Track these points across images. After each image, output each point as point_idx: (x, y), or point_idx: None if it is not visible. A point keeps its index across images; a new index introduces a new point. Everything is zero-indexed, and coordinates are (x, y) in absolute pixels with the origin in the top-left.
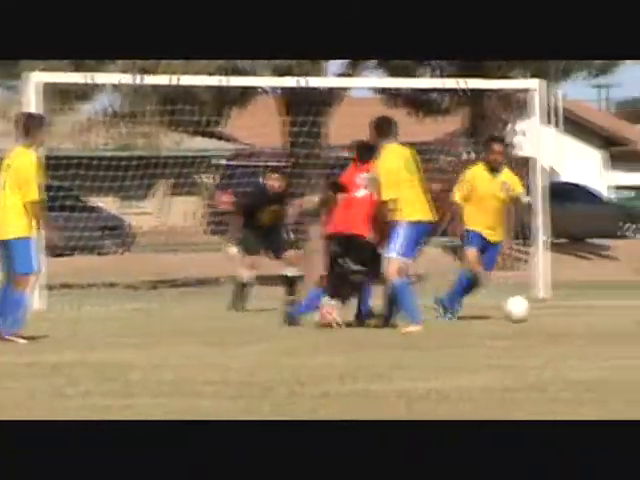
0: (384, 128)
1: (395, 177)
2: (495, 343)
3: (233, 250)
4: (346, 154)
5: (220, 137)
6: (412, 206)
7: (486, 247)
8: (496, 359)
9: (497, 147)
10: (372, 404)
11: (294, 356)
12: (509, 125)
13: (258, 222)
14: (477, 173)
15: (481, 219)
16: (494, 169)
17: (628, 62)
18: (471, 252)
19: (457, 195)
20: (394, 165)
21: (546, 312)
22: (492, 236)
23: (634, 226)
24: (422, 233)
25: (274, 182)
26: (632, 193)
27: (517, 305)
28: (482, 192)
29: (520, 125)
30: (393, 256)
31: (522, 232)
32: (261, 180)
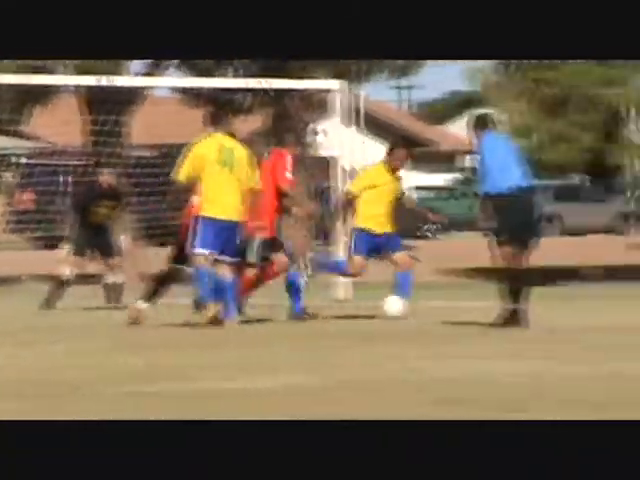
0: (216, 117)
1: (201, 164)
2: (297, 343)
3: (62, 253)
4: (148, 153)
5: (22, 136)
6: (214, 202)
7: (377, 240)
8: (298, 358)
9: (401, 153)
10: (174, 404)
11: (100, 355)
12: (310, 125)
13: (90, 219)
14: (379, 170)
15: (375, 212)
16: (394, 171)
17: (429, 63)
18: (357, 259)
19: (354, 187)
20: (203, 152)
21: (347, 312)
22: (383, 227)
23: (434, 226)
24: (222, 231)
25: (106, 178)
26: (432, 194)
27: (393, 305)
28: (382, 188)
29: (321, 125)
30: (195, 251)
31: (324, 233)
32: (65, 178)
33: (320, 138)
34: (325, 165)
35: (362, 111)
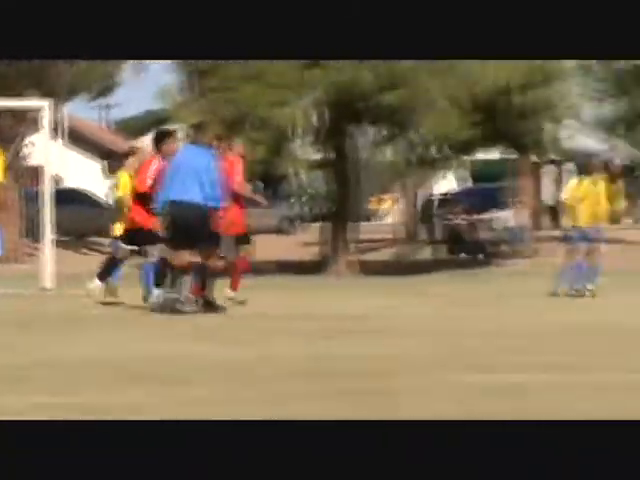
0: None
1: None
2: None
3: None
4: None
5: None
6: None
7: None
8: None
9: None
10: None
11: None
12: (23, 138)
13: None
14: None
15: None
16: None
17: (126, 84)
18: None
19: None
20: None
21: (52, 300)
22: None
23: None
24: None
25: None
26: None
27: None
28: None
29: (31, 138)
30: None
31: (32, 230)
32: None
33: (30, 149)
34: (36, 173)
35: (66, 126)
